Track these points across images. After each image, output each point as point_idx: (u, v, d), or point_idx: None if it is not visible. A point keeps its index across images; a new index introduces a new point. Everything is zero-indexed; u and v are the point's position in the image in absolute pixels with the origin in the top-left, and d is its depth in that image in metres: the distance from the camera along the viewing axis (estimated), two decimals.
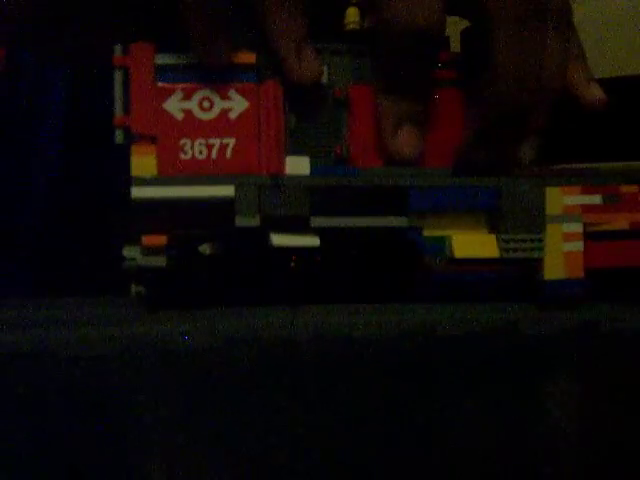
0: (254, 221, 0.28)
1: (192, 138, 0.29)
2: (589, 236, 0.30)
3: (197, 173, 0.28)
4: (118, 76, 0.29)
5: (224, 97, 0.29)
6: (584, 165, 0.32)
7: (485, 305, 0.30)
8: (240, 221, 0.28)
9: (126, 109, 0.29)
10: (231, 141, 0.29)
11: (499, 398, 0.22)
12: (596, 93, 0.33)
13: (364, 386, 0.23)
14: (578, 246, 0.30)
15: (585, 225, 0.30)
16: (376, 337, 0.28)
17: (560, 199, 0.30)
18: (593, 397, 0.22)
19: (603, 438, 0.18)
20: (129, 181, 0.28)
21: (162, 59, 0.29)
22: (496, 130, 0.29)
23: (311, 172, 0.29)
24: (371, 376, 0.24)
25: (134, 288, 0.29)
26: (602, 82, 0.34)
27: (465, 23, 0.32)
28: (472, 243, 0.30)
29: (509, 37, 0.28)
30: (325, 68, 0.29)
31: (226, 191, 0.28)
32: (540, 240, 0.29)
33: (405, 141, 0.29)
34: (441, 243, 0.29)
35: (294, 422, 0.19)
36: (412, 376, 0.24)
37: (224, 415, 0.20)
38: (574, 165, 0.33)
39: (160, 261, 0.28)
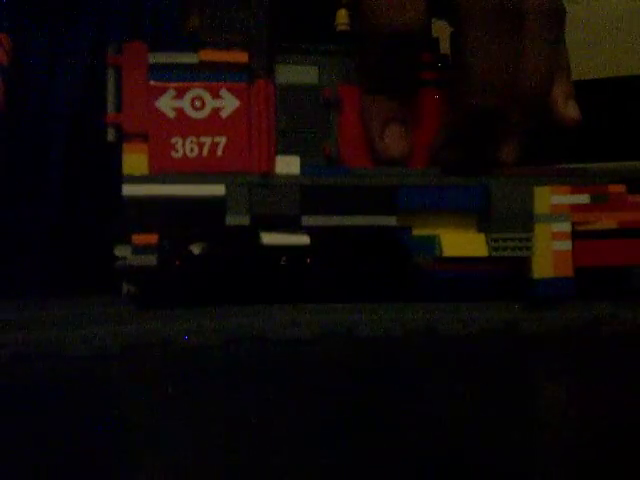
0: (244, 220, 0.29)
1: (183, 136, 0.29)
2: (577, 235, 0.30)
3: (188, 171, 0.29)
4: (111, 74, 0.29)
5: (216, 96, 0.29)
6: (572, 165, 0.32)
7: (485, 304, 0.30)
8: (230, 220, 0.29)
9: (118, 107, 0.29)
10: (222, 140, 0.29)
11: (499, 397, 0.22)
12: (572, 113, 0.32)
13: (365, 384, 0.23)
14: (567, 245, 0.30)
15: (573, 224, 0.30)
16: (378, 336, 0.28)
17: (549, 198, 0.30)
18: (592, 397, 0.22)
19: (602, 437, 0.18)
20: (120, 179, 0.28)
21: (155, 58, 0.29)
22: (464, 132, 0.29)
23: (301, 171, 0.29)
24: (372, 374, 0.24)
25: (125, 287, 0.29)
26: (602, 82, 0.33)
27: None
28: (461, 242, 0.30)
29: (477, 38, 0.28)
30: (315, 68, 0.30)
31: (217, 190, 0.28)
32: (529, 239, 0.30)
33: (392, 141, 0.30)
34: (430, 242, 0.30)
35: (295, 420, 0.20)
36: (413, 375, 0.24)
37: (224, 414, 0.20)
38: (563, 165, 0.33)
39: (151, 260, 0.28)
